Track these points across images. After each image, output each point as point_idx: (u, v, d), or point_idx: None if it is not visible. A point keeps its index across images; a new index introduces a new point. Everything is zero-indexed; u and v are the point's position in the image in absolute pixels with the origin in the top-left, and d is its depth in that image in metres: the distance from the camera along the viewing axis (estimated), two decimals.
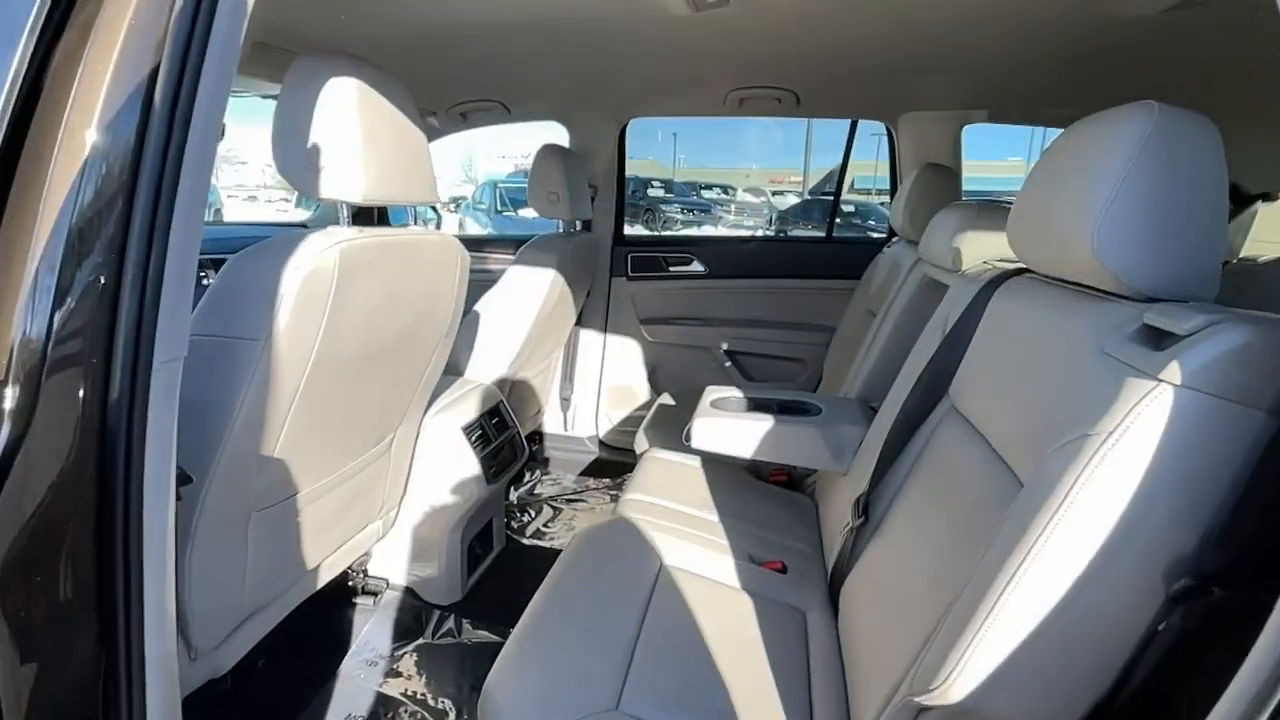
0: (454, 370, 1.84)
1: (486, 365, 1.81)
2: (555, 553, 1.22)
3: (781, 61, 1.70)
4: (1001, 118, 1.92)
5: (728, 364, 2.46)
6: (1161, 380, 0.55)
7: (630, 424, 2.59)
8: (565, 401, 2.61)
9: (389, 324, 1.12)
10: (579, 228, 2.22)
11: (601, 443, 2.64)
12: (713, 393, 1.59)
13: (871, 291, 2.01)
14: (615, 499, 2.39)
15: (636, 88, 2.01)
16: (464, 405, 1.61)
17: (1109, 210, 0.68)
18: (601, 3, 1.33)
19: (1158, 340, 0.61)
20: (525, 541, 2.04)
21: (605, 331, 2.53)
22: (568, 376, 2.57)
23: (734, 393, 1.58)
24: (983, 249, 1.19)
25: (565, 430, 2.63)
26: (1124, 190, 0.68)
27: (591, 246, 2.17)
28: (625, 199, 2.45)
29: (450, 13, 1.39)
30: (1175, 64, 1.50)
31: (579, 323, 2.49)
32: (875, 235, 2.39)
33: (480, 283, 1.86)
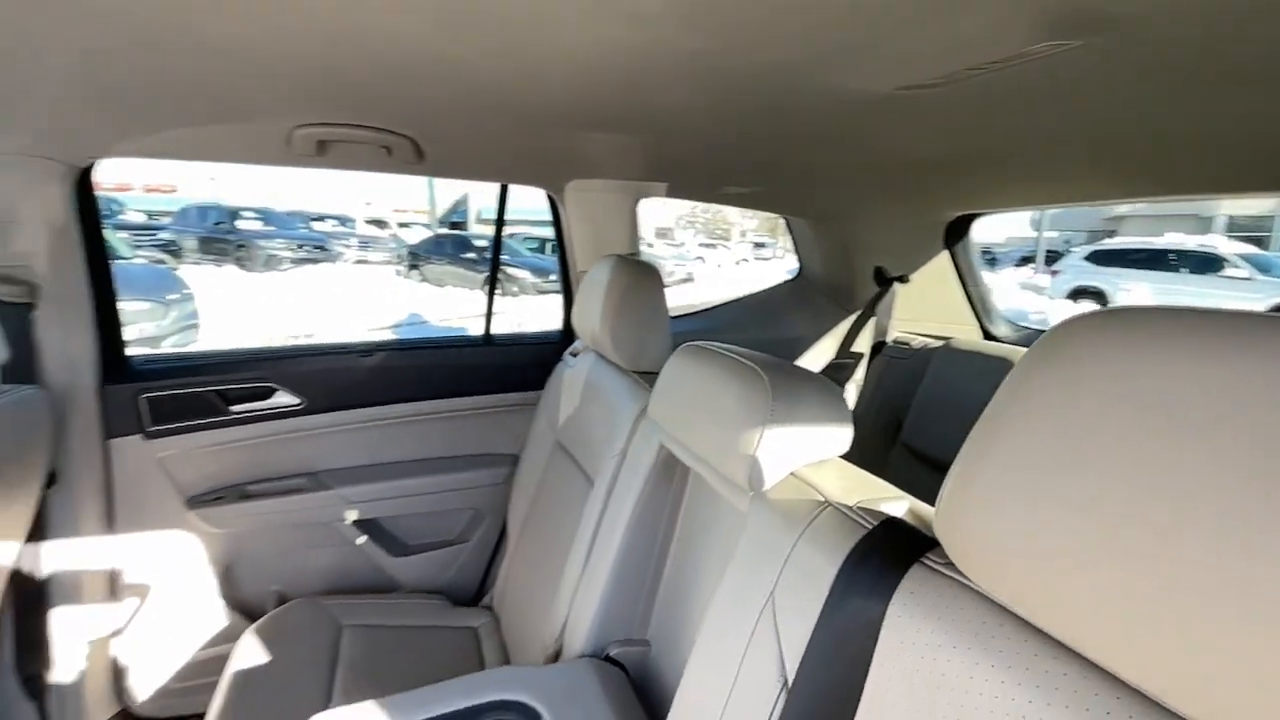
0: None
1: None
2: None
3: (389, 93, 0.98)
4: (680, 193, 1.58)
5: (361, 540, 1.59)
6: None
7: (192, 676, 1.49)
8: (32, 682, 1.35)
9: None
10: None
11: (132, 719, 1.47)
12: None
13: (561, 420, 1.44)
14: None
15: (98, 103, 1.02)
16: None
17: None
18: None
19: None
20: None
21: (112, 532, 1.38)
22: (28, 638, 1.33)
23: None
24: (790, 454, 0.70)
25: None
26: None
27: (24, 412, 1.06)
28: (113, 295, 1.36)
29: None
30: (854, 146, 1.32)
31: (36, 535, 1.29)
32: (546, 330, 1.85)
33: None
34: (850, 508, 0.63)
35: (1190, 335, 0.35)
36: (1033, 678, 0.41)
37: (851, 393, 1.97)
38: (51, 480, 1.27)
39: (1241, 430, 0.31)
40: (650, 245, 19.36)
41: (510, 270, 12.11)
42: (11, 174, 1.13)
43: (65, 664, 1.36)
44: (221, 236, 12.82)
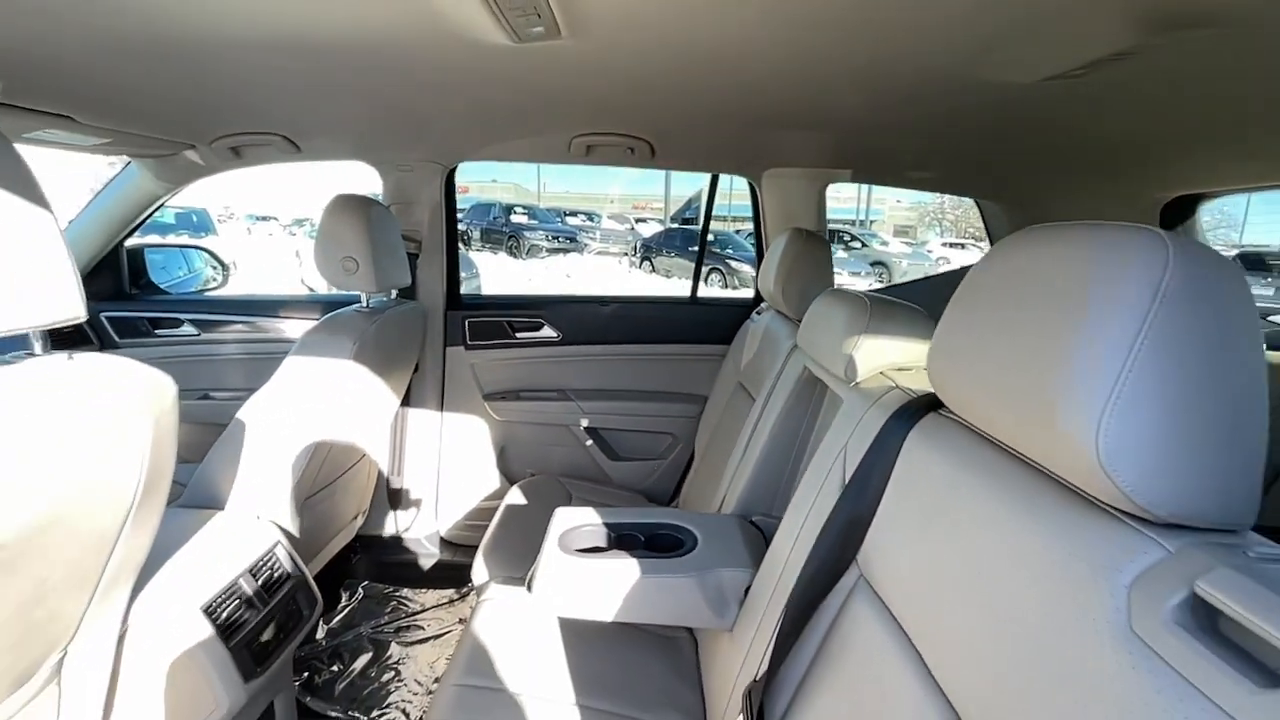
0: (211, 502, 1.33)
1: (255, 494, 1.33)
2: None
3: (632, 107, 1.43)
4: (865, 178, 1.80)
5: (589, 443, 2.13)
6: None
7: (477, 517, 2.17)
8: (395, 496, 2.13)
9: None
10: (393, 296, 1.79)
11: (444, 541, 2.18)
12: (562, 521, 1.25)
13: (743, 365, 1.79)
14: (460, 625, 1.95)
15: (462, 127, 1.65)
16: (207, 569, 1.12)
17: (1119, 395, 0.45)
18: (403, 27, 0.97)
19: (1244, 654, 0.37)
20: (332, 715, 1.55)
21: (441, 410, 2.10)
22: (396, 467, 2.10)
23: (587, 518, 1.25)
24: (878, 356, 0.97)
25: (396, 530, 2.15)
26: (1139, 368, 0.44)
27: (412, 318, 1.74)
28: (457, 253, 2.05)
29: (191, 25, 0.96)
30: (1034, 130, 1.43)
31: (407, 402, 2.04)
32: (741, 295, 2.21)
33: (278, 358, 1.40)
34: (912, 390, 0.88)
35: (1054, 237, 0.57)
36: (973, 464, 0.66)
37: None
38: (415, 369, 2.01)
39: (1051, 281, 0.54)
40: (884, 244, 18.28)
41: (732, 263, 12.61)
42: (418, 173, 1.84)
43: (407, 491, 2.12)
44: (498, 229, 15.49)
